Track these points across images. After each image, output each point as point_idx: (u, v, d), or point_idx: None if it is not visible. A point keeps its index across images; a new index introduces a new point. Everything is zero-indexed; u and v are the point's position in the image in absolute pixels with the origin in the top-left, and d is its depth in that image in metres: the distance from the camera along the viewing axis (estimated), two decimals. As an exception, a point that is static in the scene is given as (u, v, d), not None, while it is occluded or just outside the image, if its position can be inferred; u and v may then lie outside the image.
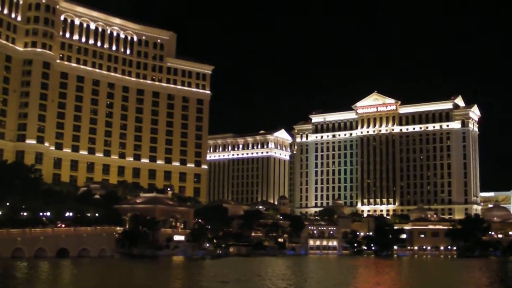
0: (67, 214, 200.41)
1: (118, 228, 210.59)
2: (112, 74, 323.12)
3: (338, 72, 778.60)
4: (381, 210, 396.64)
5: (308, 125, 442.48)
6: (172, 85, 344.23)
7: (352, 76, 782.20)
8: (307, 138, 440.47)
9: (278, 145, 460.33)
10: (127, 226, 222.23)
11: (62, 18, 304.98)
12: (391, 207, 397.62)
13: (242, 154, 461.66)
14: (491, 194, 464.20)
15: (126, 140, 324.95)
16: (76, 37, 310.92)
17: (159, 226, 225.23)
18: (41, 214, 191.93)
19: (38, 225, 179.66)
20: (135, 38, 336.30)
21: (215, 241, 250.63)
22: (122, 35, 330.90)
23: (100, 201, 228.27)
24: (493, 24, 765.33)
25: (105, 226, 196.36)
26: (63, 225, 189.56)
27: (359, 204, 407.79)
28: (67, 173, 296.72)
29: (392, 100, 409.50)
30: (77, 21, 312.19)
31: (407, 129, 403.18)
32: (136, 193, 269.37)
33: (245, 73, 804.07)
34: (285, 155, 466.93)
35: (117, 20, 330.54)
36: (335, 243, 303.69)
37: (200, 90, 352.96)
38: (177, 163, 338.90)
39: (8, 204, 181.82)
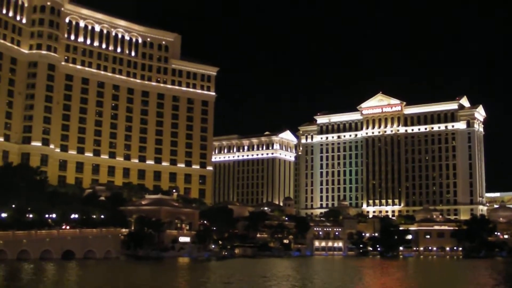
0: (72, 216, 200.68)
1: (123, 229, 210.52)
2: (117, 76, 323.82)
3: (340, 73, 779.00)
4: (387, 211, 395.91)
5: (313, 126, 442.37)
6: (177, 87, 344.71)
7: (354, 77, 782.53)
8: (312, 139, 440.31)
9: (283, 146, 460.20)
10: (133, 228, 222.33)
11: (67, 20, 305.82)
12: (396, 208, 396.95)
13: (247, 155, 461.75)
14: (497, 194, 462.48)
15: (131, 141, 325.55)
16: (81, 39, 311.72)
17: (165, 228, 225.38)
18: (46, 216, 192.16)
19: (44, 227, 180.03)
20: (140, 40, 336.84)
21: (220, 242, 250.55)
22: (126, 37, 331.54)
23: (106, 202, 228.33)
24: (493, 25, 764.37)
25: (110, 228, 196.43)
26: (69, 227, 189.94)
27: (364, 205, 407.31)
28: (72, 175, 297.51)
29: (397, 101, 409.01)
30: (82, 23, 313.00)
31: (412, 130, 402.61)
32: (141, 194, 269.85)
33: (246, 74, 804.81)
34: (290, 156, 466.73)
35: (122, 22, 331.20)
36: (340, 244, 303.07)
37: (205, 92, 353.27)
38: (182, 165, 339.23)
39: (13, 206, 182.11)
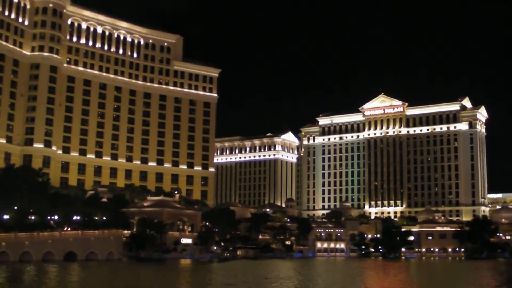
0: (74, 217, 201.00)
1: (125, 231, 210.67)
2: (119, 77, 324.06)
3: (340, 73, 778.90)
4: (389, 212, 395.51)
5: (315, 128, 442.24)
6: (179, 88, 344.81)
7: (354, 77, 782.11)
8: (314, 141, 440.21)
9: (285, 148, 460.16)
10: (135, 230, 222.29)
11: (69, 22, 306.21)
12: (398, 209, 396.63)
13: (249, 156, 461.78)
14: (499, 195, 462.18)
15: (133, 143, 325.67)
16: (83, 41, 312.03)
17: (167, 229, 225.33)
18: (48, 217, 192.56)
19: (46, 228, 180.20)
20: (142, 42, 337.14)
21: (222, 244, 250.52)
22: (129, 39, 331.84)
23: (108, 204, 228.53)
24: (493, 25, 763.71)
25: (112, 230, 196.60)
26: (71, 229, 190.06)
27: (366, 206, 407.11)
28: (74, 177, 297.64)
29: (399, 102, 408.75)
30: (84, 25, 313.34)
31: (414, 131, 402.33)
32: (143, 196, 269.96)
33: (246, 74, 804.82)
34: (292, 157, 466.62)
35: (124, 24, 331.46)
36: (342, 245, 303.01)
37: (207, 93, 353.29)
38: (184, 166, 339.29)
39: (16, 208, 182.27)
